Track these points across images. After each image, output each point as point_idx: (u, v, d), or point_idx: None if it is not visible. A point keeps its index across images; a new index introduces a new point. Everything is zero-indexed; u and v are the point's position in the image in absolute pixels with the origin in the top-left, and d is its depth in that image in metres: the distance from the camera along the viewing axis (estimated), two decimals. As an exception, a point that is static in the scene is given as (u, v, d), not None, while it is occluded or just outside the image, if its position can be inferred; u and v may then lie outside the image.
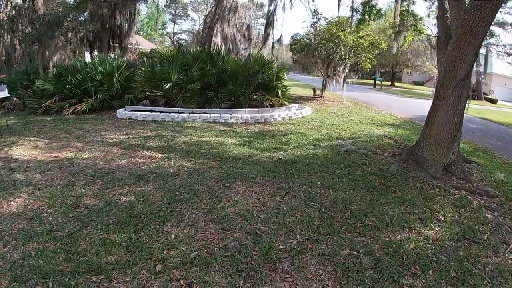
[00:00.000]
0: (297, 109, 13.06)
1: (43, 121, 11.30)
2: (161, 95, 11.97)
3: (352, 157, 7.70)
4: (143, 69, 12.49)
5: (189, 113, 11.15)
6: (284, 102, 12.99)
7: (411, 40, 18.86)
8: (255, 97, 12.26)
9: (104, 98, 12.49)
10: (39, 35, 12.17)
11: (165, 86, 11.80)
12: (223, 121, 10.88)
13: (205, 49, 13.97)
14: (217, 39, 15.07)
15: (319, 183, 6.07)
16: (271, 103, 12.45)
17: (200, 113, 11.10)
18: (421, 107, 19.59)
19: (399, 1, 11.11)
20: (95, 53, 17.26)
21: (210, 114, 11.07)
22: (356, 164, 7.25)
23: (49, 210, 5.04)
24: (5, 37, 13.41)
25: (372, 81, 37.16)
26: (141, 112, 11.22)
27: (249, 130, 9.90)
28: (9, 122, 11.53)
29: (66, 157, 7.65)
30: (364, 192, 5.78)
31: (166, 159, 7.15)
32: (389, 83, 42.12)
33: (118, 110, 11.69)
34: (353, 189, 5.88)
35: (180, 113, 11.19)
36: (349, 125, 11.38)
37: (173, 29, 47.39)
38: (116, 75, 13.01)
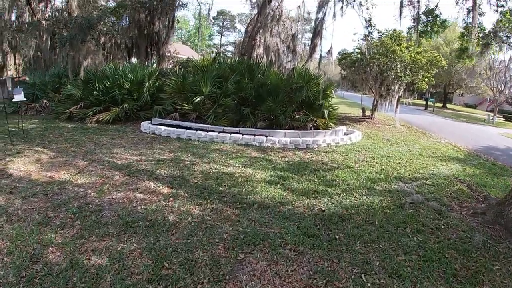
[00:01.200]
0: (345, 133, 10.90)
1: (62, 128, 10.21)
2: (190, 109, 10.44)
3: (421, 214, 5.44)
4: (173, 79, 11.09)
5: (219, 132, 9.46)
6: (331, 124, 10.90)
7: (497, 54, 16.04)
8: (297, 116, 10.33)
9: (130, 108, 11.24)
10: (70, 37, 11.32)
11: (195, 100, 10.27)
12: (257, 144, 9.04)
13: (244, 60, 12.34)
14: (259, 50, 13.41)
15: (377, 264, 3.94)
16: (315, 124, 10.44)
17: (231, 133, 9.36)
18: (481, 135, 17.08)
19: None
20: (134, 60, 16.38)
21: (243, 134, 9.29)
22: (428, 228, 5.00)
23: (5, 259, 3.81)
24: (43, 38, 12.84)
25: (424, 102, 33.94)
26: (166, 128, 9.72)
27: (286, 159, 7.93)
28: (31, 126, 10.63)
29: (60, 180, 6.26)
30: (442, 285, 3.62)
31: (171, 198, 5.39)
32: (441, 104, 38.07)
33: (142, 123, 10.32)
34: (427, 278, 3.71)
35: (209, 131, 9.54)
36: (408, 157, 8.99)
37: (220, 40, 47.05)
38: (147, 84, 11.75)
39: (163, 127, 9.75)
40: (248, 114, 10.16)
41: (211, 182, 6.09)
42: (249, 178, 6.41)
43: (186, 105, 10.44)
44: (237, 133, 9.56)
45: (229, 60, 12.49)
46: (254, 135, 9.41)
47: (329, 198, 5.72)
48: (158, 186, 5.88)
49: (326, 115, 10.74)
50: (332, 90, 11.93)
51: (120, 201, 5.40)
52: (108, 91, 11.40)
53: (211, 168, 6.88)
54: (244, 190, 5.81)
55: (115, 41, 12.96)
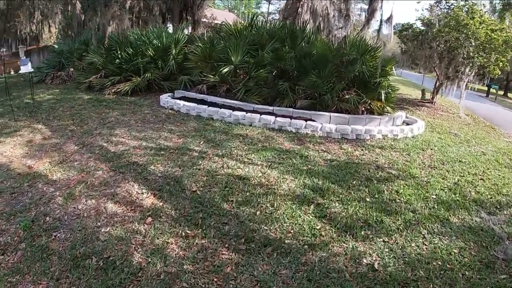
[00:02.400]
0: (404, 122, 8.36)
1: (76, 100, 8.95)
2: (217, 81, 8.56)
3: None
4: (199, 45, 9.19)
5: (248, 112, 7.51)
6: (387, 108, 8.37)
7: None
8: (346, 96, 7.97)
9: (153, 78, 9.64)
10: (93, 1, 9.87)
11: (222, 70, 8.34)
12: (293, 130, 6.98)
13: (286, 24, 9.98)
14: (304, 14, 10.87)
15: None
16: (368, 107, 8.03)
17: (262, 113, 7.38)
18: None
19: None
20: (169, 26, 14.70)
21: (276, 116, 7.24)
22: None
23: None
24: (69, 5, 11.61)
25: (484, 88, 27.91)
26: (186, 103, 7.96)
27: (328, 157, 5.78)
28: (48, 97, 9.56)
29: (36, 173, 4.96)
30: None
31: (150, 218, 3.69)
32: (502, 92, 31.70)
33: (161, 97, 8.68)
34: None
35: (236, 109, 7.64)
36: (484, 165, 6.24)
37: (268, 8, 43.43)
38: (173, 51, 10.01)
39: (182, 102, 7.99)
40: (286, 90, 8.02)
41: (214, 193, 4.23)
42: (271, 188, 4.43)
43: (212, 76, 8.57)
44: (270, 113, 7.51)
45: (268, 24, 10.19)
46: (291, 117, 7.31)
47: (386, 241, 3.60)
48: (142, 193, 4.19)
49: (383, 97, 8.22)
50: (393, 67, 9.21)
51: (86, 214, 3.82)
52: (131, 59, 9.87)
53: (223, 165, 5.01)
54: (258, 212, 3.87)
55: (144, 4, 11.32)
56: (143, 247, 3.28)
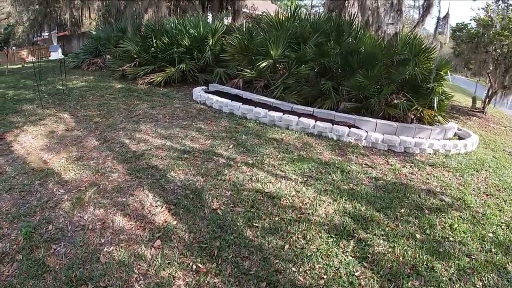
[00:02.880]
0: (455, 134, 7.25)
1: (108, 89, 8.67)
2: (253, 76, 7.89)
3: None
4: (237, 36, 8.54)
5: (285, 112, 6.79)
6: (439, 118, 7.25)
7: None
8: (395, 101, 7.00)
9: (187, 69, 9.15)
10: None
11: (260, 64, 7.65)
12: (335, 137, 6.17)
13: (331, 16, 9.03)
14: (351, 7, 9.76)
15: None
16: (419, 116, 7.02)
17: (300, 115, 6.63)
18: None
19: None
20: (209, 15, 14.18)
21: (316, 120, 6.46)
22: None
23: None
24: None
25: None
26: (219, 99, 7.35)
27: (373, 175, 4.89)
28: (80, 84, 9.39)
29: (50, 169, 4.59)
30: None
31: (159, 240, 3.12)
32: None
33: (194, 90, 8.17)
34: None
35: (272, 108, 6.96)
36: None
37: (311, 1, 41.53)
38: (211, 41, 9.45)
39: (215, 98, 7.42)
40: (329, 90, 7.19)
41: (237, 214, 3.56)
42: (305, 213, 3.69)
43: (249, 71, 7.91)
44: (309, 115, 6.75)
45: (312, 16, 9.30)
46: (333, 122, 6.50)
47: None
48: (156, 206, 3.65)
49: (435, 105, 7.13)
50: (448, 71, 8.00)
51: (91, 227, 3.34)
52: (166, 48, 9.44)
53: (251, 178, 4.34)
54: (287, 246, 3.14)
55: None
56: (146, 279, 2.72)
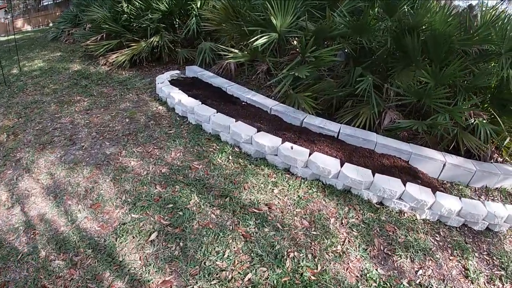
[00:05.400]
0: None
1: (60, 74, 6.21)
2: (244, 59, 4.78)
3: None
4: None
5: (286, 133, 3.69)
6: None
7: None
8: (471, 121, 3.70)
9: (161, 43, 6.23)
10: None
11: (256, 42, 4.53)
12: (374, 198, 3.02)
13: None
14: None
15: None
16: (503, 150, 3.65)
17: (315, 141, 3.54)
18: None
19: None
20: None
21: (342, 159, 3.32)
22: None
23: None
24: None
25: None
26: (186, 98, 4.31)
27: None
28: (40, 65, 6.95)
29: None
30: None
31: None
32: None
33: (158, 78, 5.27)
34: None
35: (268, 119, 3.97)
36: None
37: None
38: (199, 3, 6.35)
39: (179, 96, 4.44)
40: (369, 90, 3.94)
41: None
42: None
43: (238, 52, 4.85)
44: (331, 139, 3.65)
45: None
46: (373, 157, 3.38)
47: None
48: None
49: None
50: None
51: None
52: (140, 14, 6.56)
53: None
54: None
55: None
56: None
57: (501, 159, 3.78)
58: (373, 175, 3.06)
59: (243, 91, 4.62)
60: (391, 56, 4.28)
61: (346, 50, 4.56)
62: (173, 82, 5.17)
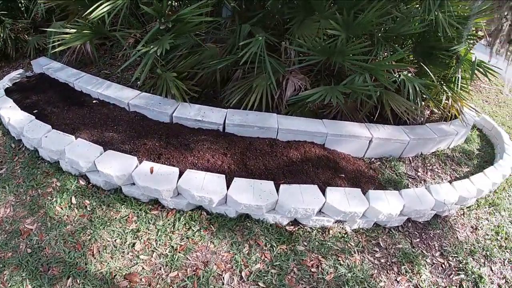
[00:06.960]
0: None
1: None
2: (79, 38, 3.25)
3: None
4: None
5: (141, 157, 2.37)
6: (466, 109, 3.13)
7: None
8: (396, 76, 2.73)
9: (4, 36, 4.36)
10: None
11: (93, 13, 3.00)
12: (272, 220, 1.97)
13: None
14: None
15: None
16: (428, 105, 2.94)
17: (190, 139, 2.45)
18: None
19: None
20: None
21: (230, 176, 2.37)
22: None
23: None
24: None
25: None
26: (13, 114, 2.85)
27: None
28: None
29: None
30: None
31: None
32: None
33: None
34: None
35: (130, 119, 2.72)
36: None
37: None
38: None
39: (14, 113, 2.83)
40: (262, 56, 2.75)
41: None
42: None
43: (76, 30, 3.35)
44: (217, 132, 2.53)
45: None
46: (275, 143, 2.34)
47: None
48: None
49: (458, 84, 2.99)
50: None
51: None
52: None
53: None
54: None
55: None
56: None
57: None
58: (278, 190, 2.03)
59: (95, 84, 3.23)
60: (287, 4, 3.15)
61: (230, 3, 3.35)
62: (12, 89, 3.58)
